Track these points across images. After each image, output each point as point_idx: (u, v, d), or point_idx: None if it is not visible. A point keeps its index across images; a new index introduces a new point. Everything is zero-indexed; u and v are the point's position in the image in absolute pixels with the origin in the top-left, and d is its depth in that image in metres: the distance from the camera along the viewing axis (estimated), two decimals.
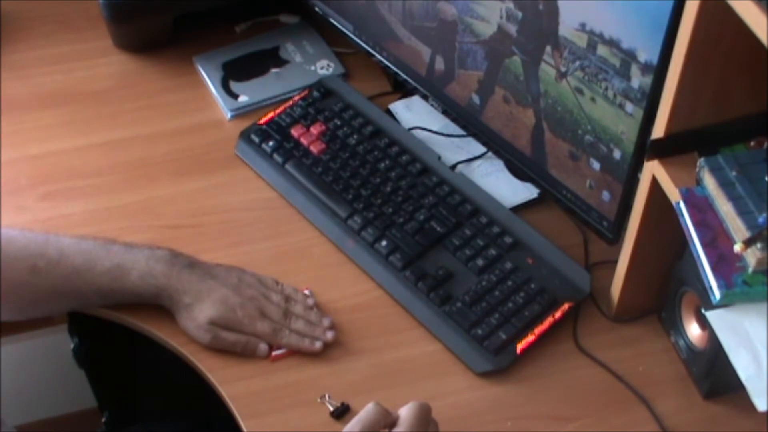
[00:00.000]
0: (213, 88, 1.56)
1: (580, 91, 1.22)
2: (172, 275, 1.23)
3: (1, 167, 1.44)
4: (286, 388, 1.22)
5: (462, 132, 1.47)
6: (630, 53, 1.14)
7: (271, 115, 1.51)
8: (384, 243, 1.34)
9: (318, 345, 1.24)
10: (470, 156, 1.47)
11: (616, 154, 1.22)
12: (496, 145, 1.40)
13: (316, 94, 1.53)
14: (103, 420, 1.56)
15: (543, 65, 1.26)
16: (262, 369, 1.24)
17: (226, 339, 1.22)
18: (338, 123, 1.48)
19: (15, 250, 1.23)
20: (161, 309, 1.26)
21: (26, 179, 1.44)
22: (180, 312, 1.23)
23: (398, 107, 1.54)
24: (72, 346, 1.55)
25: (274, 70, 1.60)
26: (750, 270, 1.03)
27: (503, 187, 1.43)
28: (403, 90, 1.56)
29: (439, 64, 1.42)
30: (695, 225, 1.07)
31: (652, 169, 1.14)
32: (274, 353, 1.23)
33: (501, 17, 1.28)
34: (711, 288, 1.04)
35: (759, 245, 1.01)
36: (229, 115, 1.53)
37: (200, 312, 1.22)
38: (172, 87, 1.57)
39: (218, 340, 1.22)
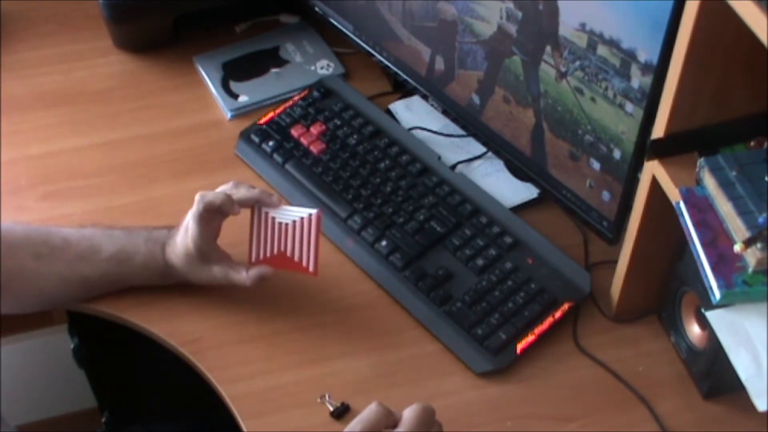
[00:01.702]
0: (213, 88, 1.56)
1: (580, 91, 1.22)
2: (164, 251, 1.24)
3: (1, 167, 1.44)
4: (286, 388, 1.22)
5: (462, 132, 1.47)
6: (630, 53, 1.14)
7: (271, 115, 1.51)
8: (384, 243, 1.34)
9: (274, 198, 1.24)
10: (470, 156, 1.47)
11: (616, 154, 1.22)
12: (496, 145, 1.40)
13: (316, 94, 1.53)
14: (103, 420, 1.56)
15: (543, 65, 1.26)
16: (262, 369, 1.24)
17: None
18: (338, 123, 1.48)
19: (16, 238, 1.24)
20: (161, 309, 1.26)
21: (26, 179, 1.44)
22: (188, 278, 1.25)
23: (398, 107, 1.54)
24: (72, 346, 1.55)
25: (274, 70, 1.60)
26: (750, 270, 1.03)
27: (503, 187, 1.43)
28: (403, 90, 1.56)
29: (439, 64, 1.42)
30: (695, 225, 1.07)
31: (652, 169, 1.14)
32: (311, 268, 1.23)
33: (501, 17, 1.28)
34: (711, 288, 1.04)
35: (759, 245, 1.01)
36: (229, 115, 1.53)
37: (191, 266, 1.23)
38: (172, 87, 1.58)
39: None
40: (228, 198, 1.21)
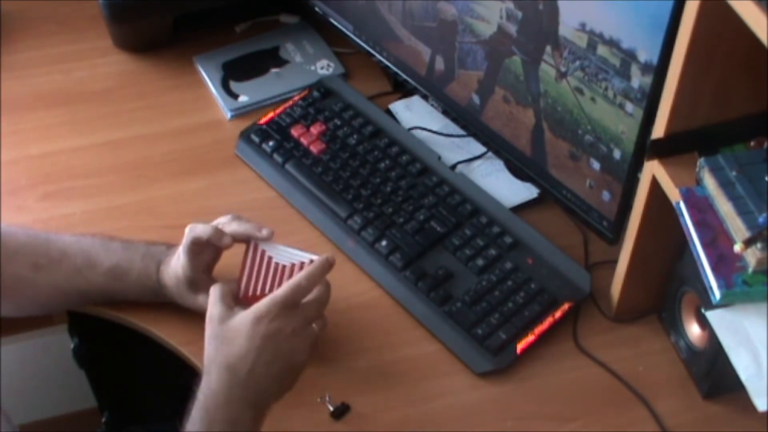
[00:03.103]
0: (213, 88, 1.56)
1: (580, 91, 1.22)
2: (158, 270, 1.23)
3: (1, 167, 1.44)
4: None
5: (462, 132, 1.47)
6: (630, 53, 1.14)
7: (271, 115, 1.51)
8: (384, 243, 1.34)
9: (265, 232, 1.20)
10: (470, 156, 1.47)
11: (616, 154, 1.22)
12: (496, 145, 1.40)
13: (316, 94, 1.53)
14: (103, 420, 1.56)
15: (543, 65, 1.26)
16: None
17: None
18: (338, 123, 1.48)
19: (17, 245, 1.24)
20: (161, 309, 1.26)
21: (26, 179, 1.44)
22: (177, 301, 1.23)
23: (398, 107, 1.54)
24: (72, 346, 1.55)
25: (274, 70, 1.60)
26: (750, 270, 1.03)
27: (503, 187, 1.43)
28: (403, 90, 1.56)
29: (439, 64, 1.42)
30: (695, 225, 1.07)
31: (652, 169, 1.14)
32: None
33: (501, 17, 1.28)
34: (711, 288, 1.04)
35: (759, 245, 1.01)
36: (229, 115, 1.53)
37: (180, 291, 1.22)
38: (172, 87, 1.58)
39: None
40: (217, 232, 1.19)
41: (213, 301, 1.11)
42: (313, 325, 1.13)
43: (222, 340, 1.09)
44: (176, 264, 1.21)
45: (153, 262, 1.24)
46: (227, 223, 1.21)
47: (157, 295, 1.25)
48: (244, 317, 1.08)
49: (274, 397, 1.11)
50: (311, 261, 1.16)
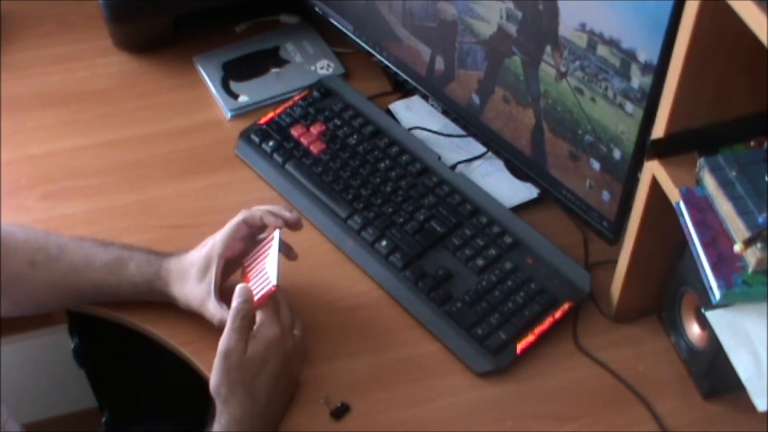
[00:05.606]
0: (213, 88, 1.56)
1: (580, 91, 1.22)
2: (164, 258, 1.24)
3: (1, 167, 1.44)
4: None
5: (462, 132, 1.47)
6: (630, 53, 1.14)
7: (271, 115, 1.51)
8: (384, 243, 1.34)
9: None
10: (470, 156, 1.47)
11: (616, 154, 1.22)
12: (496, 145, 1.40)
13: (316, 94, 1.53)
14: (103, 420, 1.56)
15: (543, 65, 1.26)
16: None
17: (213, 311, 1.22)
18: (338, 123, 1.48)
19: (15, 242, 1.24)
20: (161, 309, 1.26)
21: (26, 179, 1.44)
22: (174, 284, 1.23)
23: (398, 107, 1.54)
24: (72, 346, 1.55)
25: (274, 70, 1.60)
26: (750, 270, 1.03)
27: (503, 187, 1.43)
28: (403, 90, 1.56)
29: (439, 64, 1.42)
30: (695, 225, 1.07)
31: (652, 169, 1.14)
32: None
33: (501, 17, 1.28)
34: (711, 288, 1.04)
35: (759, 245, 1.01)
36: (229, 115, 1.53)
37: (186, 279, 1.23)
38: (172, 87, 1.58)
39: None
40: (269, 213, 1.23)
41: (234, 337, 1.14)
42: (294, 331, 1.20)
43: (244, 373, 1.14)
44: (197, 253, 1.23)
45: (155, 254, 1.25)
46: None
47: (152, 286, 1.24)
48: (258, 347, 1.14)
49: (283, 409, 1.19)
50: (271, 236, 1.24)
